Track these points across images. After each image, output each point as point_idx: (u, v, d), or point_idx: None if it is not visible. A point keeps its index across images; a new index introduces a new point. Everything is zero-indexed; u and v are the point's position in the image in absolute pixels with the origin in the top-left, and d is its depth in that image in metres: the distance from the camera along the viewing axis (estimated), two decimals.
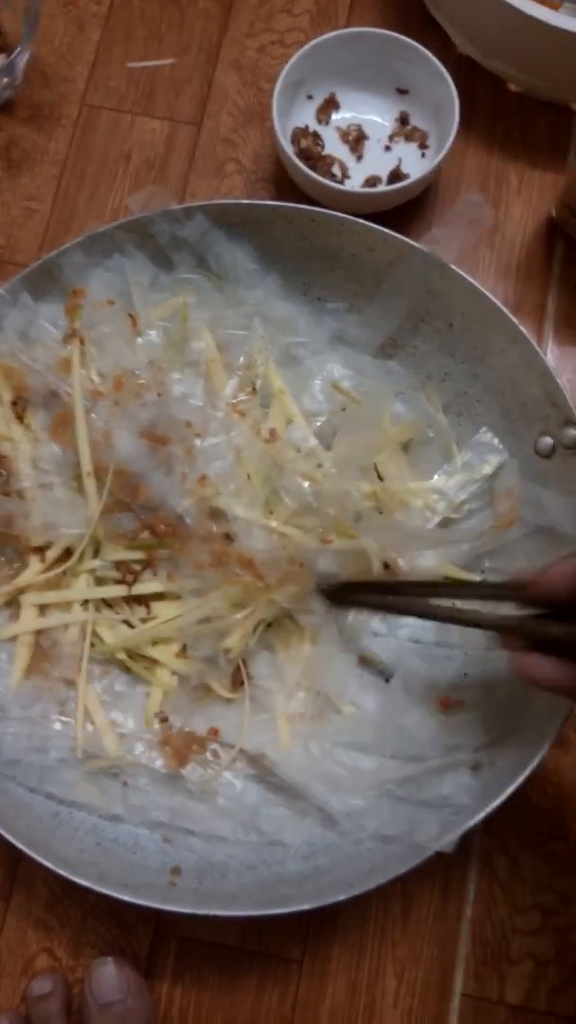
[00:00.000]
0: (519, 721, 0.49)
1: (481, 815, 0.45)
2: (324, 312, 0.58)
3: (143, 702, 0.52)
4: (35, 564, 0.52)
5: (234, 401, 0.53)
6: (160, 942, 0.53)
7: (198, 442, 0.50)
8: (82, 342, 0.52)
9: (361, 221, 0.54)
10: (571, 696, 0.40)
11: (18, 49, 0.61)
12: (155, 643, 0.51)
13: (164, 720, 0.51)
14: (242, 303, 0.55)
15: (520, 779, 0.45)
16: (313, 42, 0.62)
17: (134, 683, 0.52)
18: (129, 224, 0.54)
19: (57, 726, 0.50)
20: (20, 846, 0.45)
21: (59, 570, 0.51)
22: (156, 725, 0.51)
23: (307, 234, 0.55)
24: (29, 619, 0.51)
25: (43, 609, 0.52)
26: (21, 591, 0.51)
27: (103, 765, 0.50)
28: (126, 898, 0.45)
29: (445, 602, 0.47)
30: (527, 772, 0.45)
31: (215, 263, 0.55)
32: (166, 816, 0.49)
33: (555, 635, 0.40)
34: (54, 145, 0.66)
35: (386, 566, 0.51)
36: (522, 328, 0.52)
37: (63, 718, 0.51)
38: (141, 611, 0.51)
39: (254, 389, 0.54)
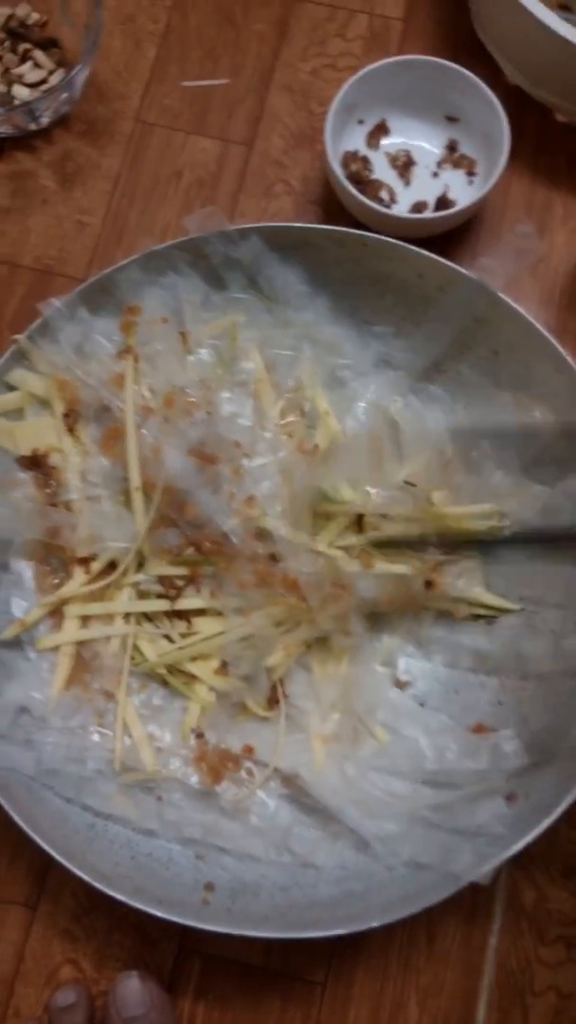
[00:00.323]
0: (554, 751, 0.48)
1: (517, 847, 0.45)
2: (371, 335, 0.58)
3: (180, 717, 0.52)
4: (79, 575, 0.52)
5: (282, 423, 0.53)
6: (184, 958, 0.53)
7: (246, 462, 0.50)
8: (135, 359, 0.53)
9: (413, 248, 0.55)
10: None
11: (79, 66, 0.62)
12: (195, 659, 0.51)
13: (200, 736, 0.51)
14: (291, 324, 0.56)
15: (557, 812, 0.45)
16: (367, 68, 0.62)
17: (172, 698, 0.53)
18: (185, 243, 0.55)
19: (95, 738, 0.51)
20: (57, 856, 0.46)
21: (103, 583, 0.52)
22: (192, 741, 0.51)
23: (358, 258, 0.56)
24: (72, 630, 0.51)
25: (85, 620, 0.52)
26: (65, 602, 0.52)
27: (139, 778, 0.50)
28: (161, 914, 0.45)
29: None
30: (564, 806, 0.45)
31: (266, 284, 0.56)
32: (199, 833, 0.49)
33: None
34: (107, 160, 0.67)
35: (428, 584, 0.51)
36: (567, 357, 0.53)
37: (101, 730, 0.51)
38: (182, 626, 0.52)
39: (302, 412, 0.54)
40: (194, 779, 0.50)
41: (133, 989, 0.50)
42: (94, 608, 0.52)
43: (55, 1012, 0.51)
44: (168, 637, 0.52)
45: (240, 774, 0.50)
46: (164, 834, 0.49)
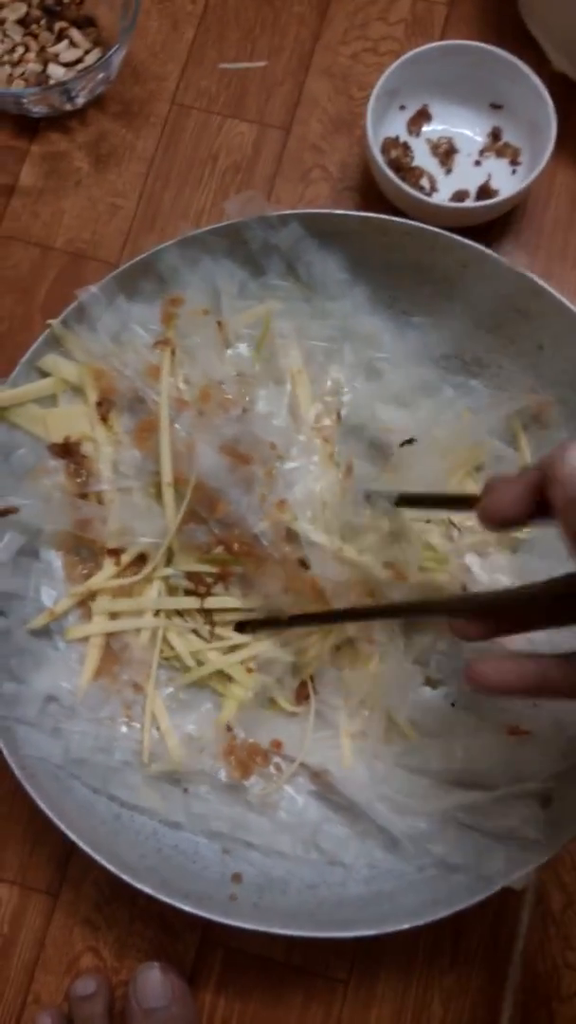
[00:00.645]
0: None
1: (551, 852, 0.44)
2: (409, 326, 0.57)
3: (208, 710, 0.51)
4: (109, 567, 0.51)
5: (317, 426, 0.52)
6: (207, 950, 0.53)
7: (279, 464, 0.49)
8: (173, 351, 0.52)
9: (456, 237, 0.53)
10: (529, 692, 0.36)
11: (116, 46, 0.61)
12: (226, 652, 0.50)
13: (229, 730, 0.50)
14: (328, 315, 0.54)
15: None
16: (411, 53, 0.61)
17: (199, 691, 0.52)
18: (223, 229, 0.54)
19: (123, 729, 0.50)
20: (85, 848, 0.45)
21: (133, 579, 0.51)
22: (221, 734, 0.50)
23: (399, 247, 0.55)
24: (101, 621, 0.51)
25: (114, 612, 0.52)
26: (93, 594, 0.51)
27: (165, 770, 0.49)
28: (188, 908, 0.44)
29: None
30: None
31: (304, 272, 0.55)
32: (227, 827, 0.48)
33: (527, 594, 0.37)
34: (142, 143, 0.66)
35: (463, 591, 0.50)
36: None
37: (129, 722, 0.50)
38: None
39: (338, 416, 0.53)
40: (222, 773, 0.49)
41: (154, 980, 0.50)
42: (123, 604, 0.51)
43: (75, 1001, 0.51)
44: (197, 632, 0.51)
45: (269, 769, 0.50)
46: (191, 827, 0.49)
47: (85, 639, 0.51)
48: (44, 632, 0.52)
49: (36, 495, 0.52)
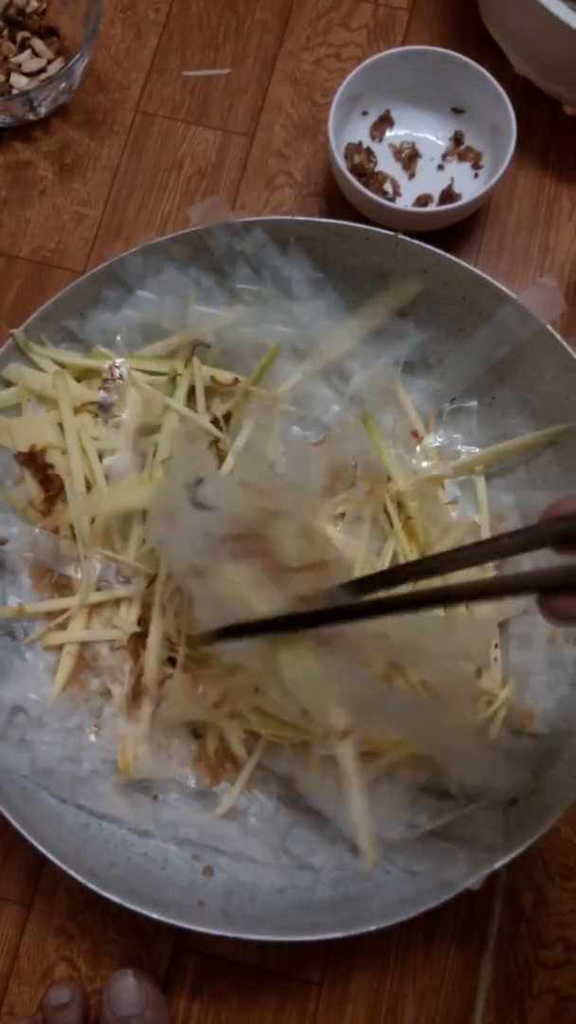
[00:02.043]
0: (557, 757, 0.48)
1: (510, 856, 0.45)
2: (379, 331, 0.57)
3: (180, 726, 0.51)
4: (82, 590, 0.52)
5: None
6: (180, 957, 0.53)
7: None
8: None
9: (415, 242, 0.54)
10: None
11: (78, 55, 0.61)
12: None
13: (199, 737, 0.50)
14: (296, 317, 0.55)
15: (551, 822, 0.45)
16: (372, 58, 0.61)
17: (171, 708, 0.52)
18: (187, 236, 0.54)
19: (91, 738, 0.50)
20: (52, 858, 0.45)
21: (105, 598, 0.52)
22: (193, 745, 0.50)
23: (360, 252, 0.55)
24: (78, 629, 0.51)
25: (90, 620, 0.52)
26: (65, 617, 0.52)
27: (135, 778, 0.49)
28: (156, 916, 0.44)
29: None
30: (557, 815, 0.45)
31: (270, 276, 0.55)
32: (196, 834, 0.48)
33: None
34: (107, 151, 0.66)
35: None
36: (574, 354, 0.52)
37: (98, 731, 0.51)
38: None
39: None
40: (192, 780, 0.49)
41: (128, 988, 0.50)
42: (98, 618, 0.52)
43: (49, 1010, 0.51)
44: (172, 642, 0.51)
45: (239, 775, 0.50)
46: (160, 834, 0.49)
47: (59, 647, 0.52)
48: (10, 643, 0.52)
49: (21, 526, 0.53)
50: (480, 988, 0.53)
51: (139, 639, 0.51)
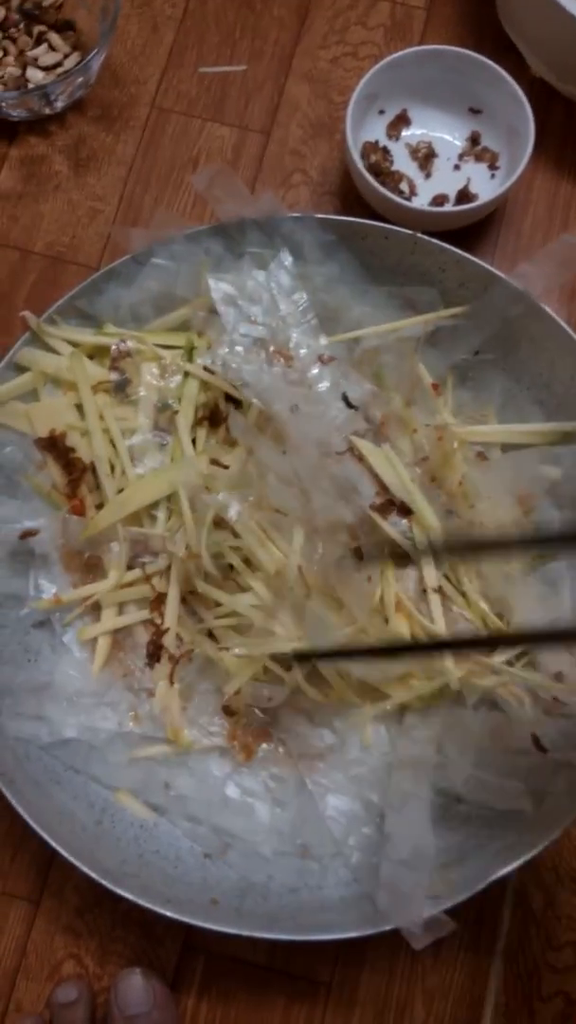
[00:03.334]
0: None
1: (524, 858, 0.45)
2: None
3: (209, 698, 0.52)
4: (113, 574, 0.53)
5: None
6: (189, 955, 0.53)
7: None
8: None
9: (435, 241, 0.54)
10: None
11: (95, 50, 0.60)
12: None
13: (232, 714, 0.51)
14: (309, 279, 0.55)
15: (565, 825, 0.45)
16: (390, 57, 0.61)
17: (202, 677, 0.52)
18: (202, 233, 0.54)
19: (112, 712, 0.51)
20: (64, 853, 0.45)
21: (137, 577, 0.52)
22: (223, 720, 0.51)
23: (376, 251, 0.55)
24: (110, 617, 0.52)
25: (122, 605, 0.53)
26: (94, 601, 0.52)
27: (151, 752, 0.50)
28: (169, 913, 0.44)
29: None
30: (569, 820, 0.45)
31: (282, 241, 0.55)
32: (204, 811, 0.49)
33: None
34: (122, 146, 0.66)
35: None
36: None
37: (131, 702, 0.51)
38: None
39: None
40: (214, 758, 0.50)
41: (135, 986, 0.50)
42: (131, 593, 0.52)
43: (56, 1008, 0.51)
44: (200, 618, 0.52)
45: (272, 746, 0.50)
46: (170, 810, 0.49)
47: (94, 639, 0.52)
48: (42, 624, 0.53)
49: (50, 515, 0.53)
50: (489, 990, 0.53)
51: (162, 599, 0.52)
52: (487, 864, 0.45)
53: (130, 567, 0.52)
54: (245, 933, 0.44)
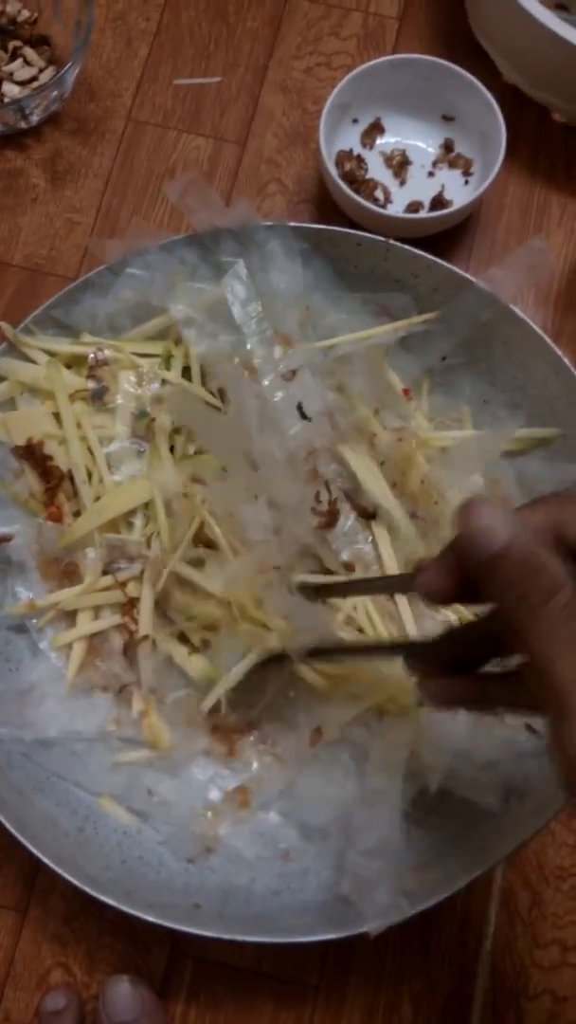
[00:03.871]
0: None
1: (503, 855, 0.45)
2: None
3: (186, 699, 0.52)
4: (89, 576, 0.53)
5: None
6: (176, 962, 0.53)
7: None
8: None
9: (407, 247, 0.54)
10: (473, 706, 0.40)
11: (70, 64, 0.61)
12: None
13: (215, 712, 0.51)
14: (279, 287, 0.55)
15: (543, 821, 0.45)
16: (363, 66, 0.62)
17: (180, 679, 0.53)
18: (175, 243, 0.54)
19: (95, 716, 0.51)
20: (47, 861, 0.45)
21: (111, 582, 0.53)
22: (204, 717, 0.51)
23: (350, 258, 0.56)
24: (85, 622, 0.52)
25: (98, 609, 0.53)
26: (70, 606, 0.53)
27: (134, 757, 0.50)
28: (152, 919, 0.44)
29: None
30: (550, 816, 0.45)
31: (256, 249, 0.55)
32: (187, 817, 0.49)
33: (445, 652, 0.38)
34: (99, 159, 0.67)
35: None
36: (566, 359, 0.53)
37: (105, 707, 0.52)
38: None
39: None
40: (198, 762, 0.51)
41: (123, 994, 0.50)
42: (106, 597, 0.52)
43: (45, 1017, 0.51)
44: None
45: (252, 739, 0.51)
46: (153, 815, 0.49)
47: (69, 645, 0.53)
48: (21, 630, 0.53)
49: (26, 521, 0.53)
50: (476, 989, 0.53)
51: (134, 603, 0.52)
52: (467, 863, 0.45)
53: (106, 573, 0.52)
54: (227, 936, 0.44)
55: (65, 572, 0.53)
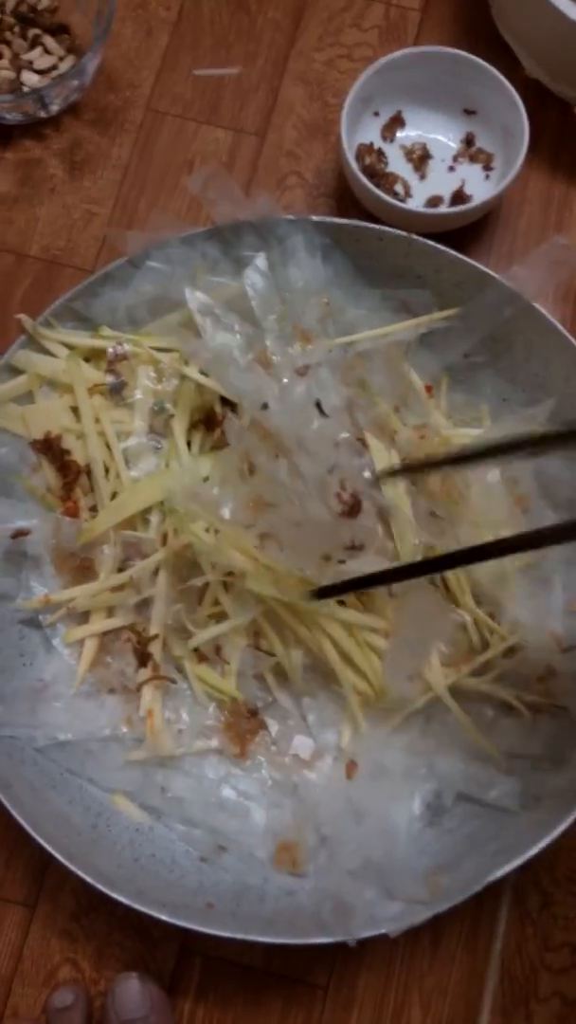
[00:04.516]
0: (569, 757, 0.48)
1: (518, 861, 0.44)
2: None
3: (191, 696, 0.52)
4: (102, 575, 0.53)
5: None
6: (185, 959, 0.53)
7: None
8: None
9: (430, 243, 0.54)
10: None
11: (90, 53, 0.61)
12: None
13: (223, 709, 0.52)
14: (301, 282, 0.54)
15: (562, 827, 0.45)
16: (384, 59, 0.61)
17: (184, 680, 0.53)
18: (195, 236, 0.54)
19: (106, 714, 0.51)
20: (60, 858, 0.45)
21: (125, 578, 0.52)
22: (217, 712, 0.52)
23: (372, 253, 0.55)
24: (98, 620, 0.52)
25: (111, 609, 0.53)
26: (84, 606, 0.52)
27: (145, 756, 0.50)
28: (164, 917, 0.44)
29: None
30: (568, 822, 0.45)
31: (277, 243, 0.55)
32: (200, 813, 0.49)
33: None
34: (117, 150, 0.66)
35: None
36: None
37: (117, 707, 0.51)
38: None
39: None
40: (210, 761, 0.50)
41: (132, 991, 0.50)
42: (118, 597, 0.52)
43: (53, 1013, 0.51)
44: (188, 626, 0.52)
45: (265, 738, 0.51)
46: (166, 812, 0.49)
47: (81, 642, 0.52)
48: (35, 625, 0.53)
49: (43, 516, 0.53)
50: (486, 991, 0.53)
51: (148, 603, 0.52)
52: (482, 868, 0.45)
53: (121, 570, 0.52)
54: (240, 936, 0.44)
55: (80, 568, 0.53)
